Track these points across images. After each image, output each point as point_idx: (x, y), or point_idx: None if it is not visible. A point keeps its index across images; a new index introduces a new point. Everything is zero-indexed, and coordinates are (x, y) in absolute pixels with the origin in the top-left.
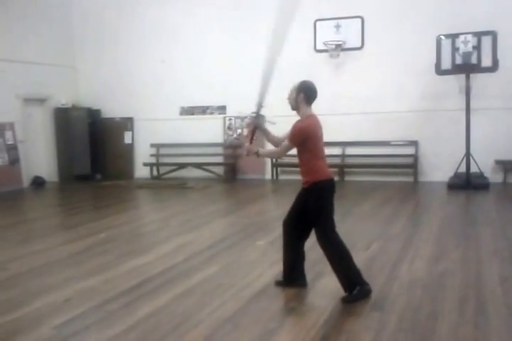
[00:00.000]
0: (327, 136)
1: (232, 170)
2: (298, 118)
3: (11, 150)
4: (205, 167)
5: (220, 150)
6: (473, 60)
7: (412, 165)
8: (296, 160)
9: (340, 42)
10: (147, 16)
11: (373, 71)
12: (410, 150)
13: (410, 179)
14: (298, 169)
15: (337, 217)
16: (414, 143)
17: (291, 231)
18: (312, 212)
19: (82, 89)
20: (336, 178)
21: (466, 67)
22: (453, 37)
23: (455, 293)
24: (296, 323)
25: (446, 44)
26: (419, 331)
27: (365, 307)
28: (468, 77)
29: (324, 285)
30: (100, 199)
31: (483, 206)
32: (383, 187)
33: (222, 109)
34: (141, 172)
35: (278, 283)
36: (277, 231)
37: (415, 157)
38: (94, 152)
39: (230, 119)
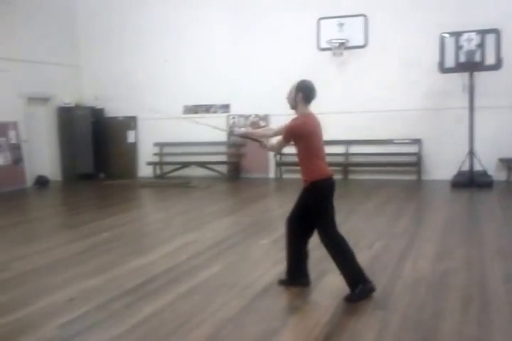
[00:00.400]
0: (330, 135)
1: (235, 168)
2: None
3: (15, 150)
4: (208, 166)
5: (223, 149)
6: (477, 58)
7: (416, 164)
8: None
9: (343, 41)
10: (151, 16)
11: (377, 69)
12: (414, 149)
13: (414, 177)
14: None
15: (340, 216)
16: (417, 142)
17: (294, 230)
18: (312, 211)
19: (85, 88)
20: (339, 177)
21: (470, 65)
22: (456, 35)
23: (458, 291)
24: (300, 322)
25: (449, 42)
26: (423, 330)
27: (369, 305)
28: (471, 75)
29: (328, 283)
30: (103, 199)
31: (486, 204)
32: (387, 186)
33: (225, 107)
34: (145, 171)
35: (281, 282)
36: (280, 230)
37: (419, 155)
38: (97, 151)
39: (234, 118)
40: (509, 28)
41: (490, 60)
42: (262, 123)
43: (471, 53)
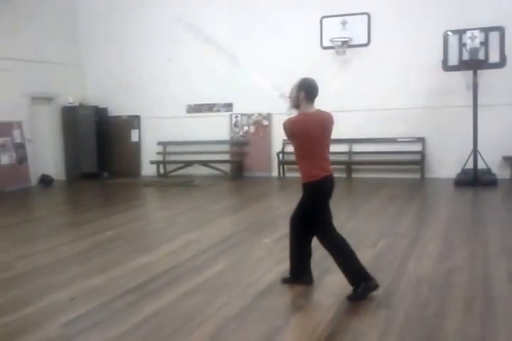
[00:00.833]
0: (334, 133)
1: (238, 167)
2: None
3: (19, 149)
4: (211, 164)
5: (226, 147)
6: (481, 55)
7: (419, 162)
8: None
9: (346, 39)
10: (154, 14)
11: (380, 68)
12: (417, 147)
13: (417, 176)
14: None
15: (344, 214)
16: (421, 140)
17: (297, 229)
18: (307, 211)
19: (89, 88)
20: (342, 175)
21: (474, 63)
22: (460, 33)
23: (462, 290)
24: (303, 321)
25: (453, 40)
26: (426, 329)
27: (372, 304)
28: (475, 73)
29: (331, 282)
30: (107, 198)
31: (490, 203)
32: (390, 184)
33: (228, 106)
34: (148, 170)
35: (284, 280)
36: (283, 229)
37: (422, 154)
38: (101, 150)
39: (237, 117)
40: None
41: (494, 57)
42: (265, 122)
43: (474, 51)
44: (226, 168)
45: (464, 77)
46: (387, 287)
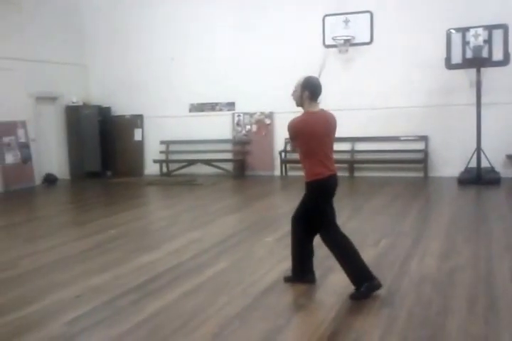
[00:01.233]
0: (336, 132)
1: (241, 166)
2: None
3: (23, 148)
4: (214, 163)
5: (229, 146)
6: (484, 53)
7: (422, 161)
8: None
9: (349, 38)
10: (157, 14)
11: (383, 66)
12: (420, 146)
13: (420, 174)
14: None
15: (346, 213)
16: (424, 138)
17: (299, 228)
18: (309, 210)
19: (92, 87)
20: (345, 174)
21: (477, 61)
22: (463, 30)
23: (465, 289)
24: (305, 320)
25: (456, 38)
26: (429, 327)
27: (375, 303)
28: (479, 71)
29: (333, 281)
30: (111, 196)
31: (494, 201)
32: (393, 183)
33: (231, 105)
34: (151, 169)
35: (287, 279)
36: (285, 228)
37: (425, 152)
38: (104, 149)
39: (239, 116)
40: None
41: (497, 55)
42: (267, 121)
43: (478, 49)
44: (228, 166)
45: (467, 75)
46: (389, 286)
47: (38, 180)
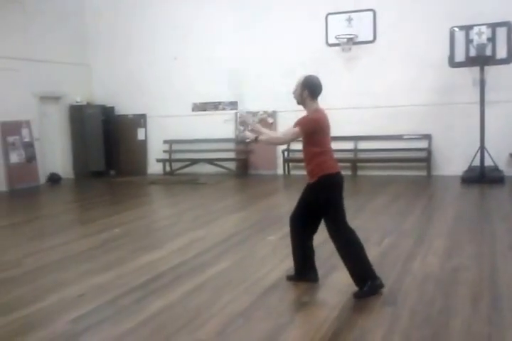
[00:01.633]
0: (339, 131)
1: (243, 165)
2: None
3: (28, 148)
4: (217, 162)
5: (231, 145)
6: (488, 51)
7: (426, 159)
8: None
9: (352, 36)
10: (159, 14)
11: (386, 64)
12: (423, 144)
13: (423, 173)
14: None
15: (349, 212)
16: (427, 137)
17: (299, 227)
18: (321, 205)
19: (96, 87)
20: (348, 173)
21: (481, 59)
22: (467, 29)
23: (469, 288)
24: (308, 318)
25: (459, 36)
26: (432, 326)
27: (378, 302)
28: (482, 70)
29: (336, 280)
30: (114, 195)
31: (497, 200)
32: (396, 182)
33: (233, 104)
34: (154, 168)
35: (289, 278)
36: (288, 227)
37: (428, 151)
38: (108, 148)
39: (238, 112)
40: None
41: (501, 53)
42: (270, 120)
43: (481, 47)
44: (231, 165)
45: (470, 73)
46: (392, 284)
47: (42, 179)
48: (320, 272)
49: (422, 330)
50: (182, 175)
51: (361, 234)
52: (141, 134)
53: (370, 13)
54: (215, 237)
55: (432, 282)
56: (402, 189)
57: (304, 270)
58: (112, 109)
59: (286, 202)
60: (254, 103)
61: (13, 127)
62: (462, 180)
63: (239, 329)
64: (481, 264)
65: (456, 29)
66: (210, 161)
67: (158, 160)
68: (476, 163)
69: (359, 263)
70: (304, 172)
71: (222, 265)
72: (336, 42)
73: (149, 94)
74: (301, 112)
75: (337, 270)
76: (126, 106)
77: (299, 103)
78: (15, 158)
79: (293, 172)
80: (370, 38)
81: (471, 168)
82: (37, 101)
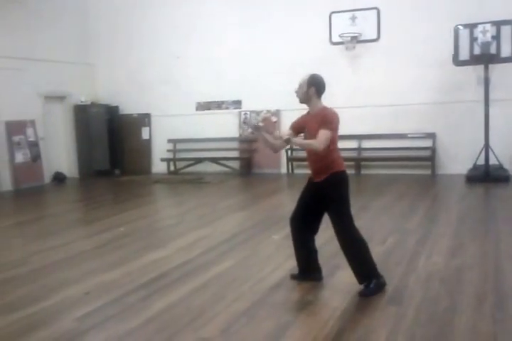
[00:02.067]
0: (343, 129)
1: (247, 164)
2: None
3: (33, 147)
4: (221, 161)
5: (235, 144)
6: (493, 50)
7: (430, 158)
8: None
9: (356, 35)
10: (163, 12)
11: (390, 63)
12: (428, 143)
13: (428, 172)
14: None
15: (353, 211)
16: (431, 136)
17: (301, 228)
18: (335, 201)
19: (100, 87)
20: (352, 172)
21: (485, 58)
22: (471, 27)
23: (473, 287)
24: (312, 317)
25: (464, 34)
26: (437, 325)
27: (382, 300)
28: (487, 68)
29: (340, 279)
30: (119, 194)
31: (502, 199)
32: (400, 181)
33: (237, 103)
34: (159, 167)
35: (293, 277)
36: None
37: (433, 149)
38: (112, 148)
39: (246, 114)
40: None
41: (506, 51)
42: (274, 119)
43: (486, 45)
44: (235, 164)
45: (475, 71)
46: (397, 283)
47: (47, 178)
48: (324, 271)
49: (426, 329)
50: (186, 174)
51: (365, 233)
52: (145, 133)
53: (374, 12)
54: (219, 236)
55: (437, 281)
56: (406, 188)
57: (309, 270)
58: (116, 108)
59: (290, 201)
60: (257, 102)
61: (18, 127)
62: (467, 179)
63: (243, 327)
64: (486, 263)
65: (461, 27)
66: (214, 160)
67: (162, 160)
68: (481, 161)
69: (364, 261)
70: (307, 171)
71: (226, 264)
72: (340, 40)
73: (153, 94)
74: (304, 111)
75: (341, 269)
76: (130, 106)
77: (302, 102)
78: (20, 157)
79: (297, 171)
80: (374, 37)
81: (475, 167)
82: (41, 100)
